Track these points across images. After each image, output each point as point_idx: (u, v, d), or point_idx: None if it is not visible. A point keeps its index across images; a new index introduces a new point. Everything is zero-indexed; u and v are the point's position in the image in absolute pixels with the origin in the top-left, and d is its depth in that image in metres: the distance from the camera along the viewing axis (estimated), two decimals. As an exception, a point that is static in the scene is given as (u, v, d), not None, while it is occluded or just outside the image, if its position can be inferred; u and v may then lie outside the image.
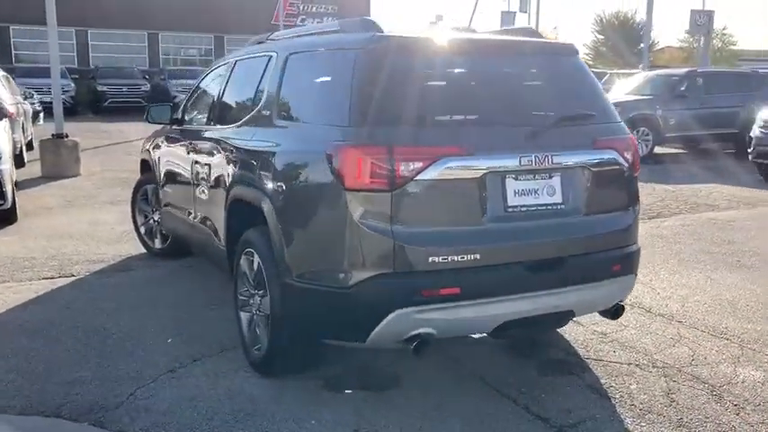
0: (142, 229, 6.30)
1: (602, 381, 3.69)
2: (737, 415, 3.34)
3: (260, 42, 4.64)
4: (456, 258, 2.96)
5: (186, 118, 5.34)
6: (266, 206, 3.40)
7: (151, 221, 6.21)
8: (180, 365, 3.85)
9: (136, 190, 6.33)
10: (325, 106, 3.25)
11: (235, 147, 3.96)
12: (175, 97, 25.17)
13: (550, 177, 3.19)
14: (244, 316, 3.89)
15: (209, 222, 4.40)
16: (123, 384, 3.61)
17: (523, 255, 3.11)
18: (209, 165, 4.40)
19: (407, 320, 2.96)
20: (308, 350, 3.59)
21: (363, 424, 3.23)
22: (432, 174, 2.92)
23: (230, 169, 3.96)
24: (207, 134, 4.60)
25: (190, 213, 4.84)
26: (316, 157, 3.11)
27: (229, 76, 4.58)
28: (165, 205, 5.50)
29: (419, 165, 2.90)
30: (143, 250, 6.33)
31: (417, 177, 2.91)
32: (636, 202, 3.56)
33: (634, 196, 3.55)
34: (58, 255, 6.21)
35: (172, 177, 5.26)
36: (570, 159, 3.23)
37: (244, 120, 4.04)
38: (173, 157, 5.22)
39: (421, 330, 2.99)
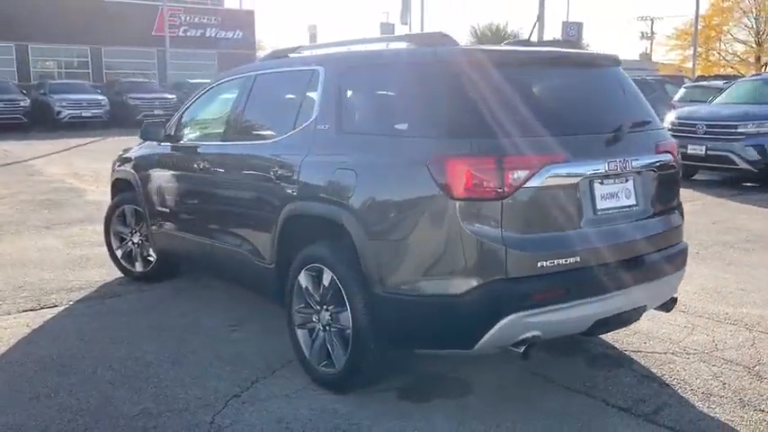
0: (119, 253, 5.96)
1: (653, 370, 3.94)
2: (784, 390, 3.68)
3: (279, 57, 4.57)
4: (561, 262, 3.09)
5: (181, 135, 5.15)
6: (348, 219, 3.37)
7: (130, 244, 5.90)
8: (241, 390, 3.72)
9: (111, 212, 5.97)
10: (417, 119, 3.27)
11: (283, 162, 3.88)
12: (59, 113, 23.78)
13: (626, 181, 3.40)
14: (302, 334, 3.83)
15: (244, 241, 4.27)
16: (196, 413, 3.46)
17: (612, 255, 3.29)
18: (240, 182, 4.28)
19: (518, 325, 3.05)
20: (387, 363, 3.59)
21: (463, 430, 3.29)
22: (537, 181, 3.04)
23: (279, 185, 3.87)
24: (230, 150, 4.46)
25: (208, 233, 4.66)
26: (414, 168, 3.14)
27: (250, 92, 4.46)
28: (161, 226, 5.25)
29: (526, 173, 3.02)
30: (114, 275, 5.99)
31: (525, 185, 3.02)
32: (680, 202, 3.86)
33: (680, 195, 3.84)
34: (25, 285, 5.76)
35: (174, 196, 5.04)
36: (642, 163, 3.46)
37: (287, 135, 3.97)
38: (174, 174, 5.01)
39: (529, 334, 3.09)
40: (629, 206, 3.43)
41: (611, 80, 3.70)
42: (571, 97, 3.49)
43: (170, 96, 26.03)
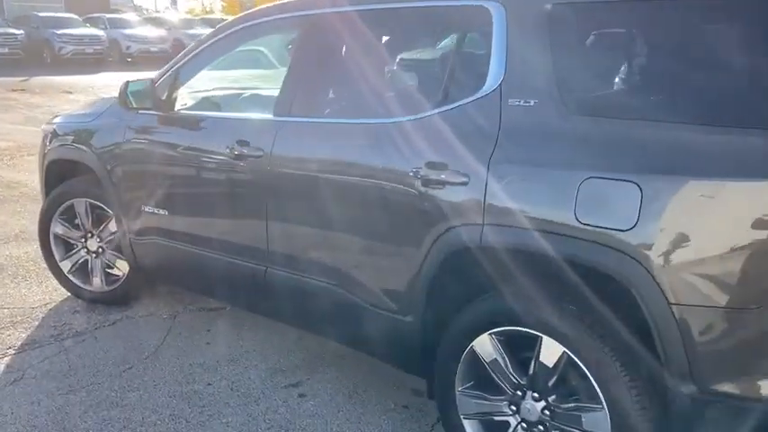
0: (65, 265, 4.15)
1: None
2: None
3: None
4: None
5: (177, 100, 3.44)
6: (629, 268, 1.96)
7: (83, 253, 4.11)
8: None
9: (51, 208, 4.11)
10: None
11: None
12: None
13: None
14: (474, 426, 2.47)
15: (344, 277, 2.74)
16: None
17: None
18: (336, 183, 2.71)
19: None
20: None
21: None
22: None
23: (431, 196, 2.39)
24: (308, 129, 2.86)
25: (263, 255, 3.04)
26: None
27: (327, 39, 2.85)
28: (151, 233, 3.56)
29: None
30: (59, 296, 4.23)
31: None
32: None
33: None
34: None
35: (184, 194, 3.36)
36: None
37: (431, 113, 2.48)
38: (182, 160, 3.31)
39: None
40: None
41: None
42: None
43: (16, 32, 22.35)
